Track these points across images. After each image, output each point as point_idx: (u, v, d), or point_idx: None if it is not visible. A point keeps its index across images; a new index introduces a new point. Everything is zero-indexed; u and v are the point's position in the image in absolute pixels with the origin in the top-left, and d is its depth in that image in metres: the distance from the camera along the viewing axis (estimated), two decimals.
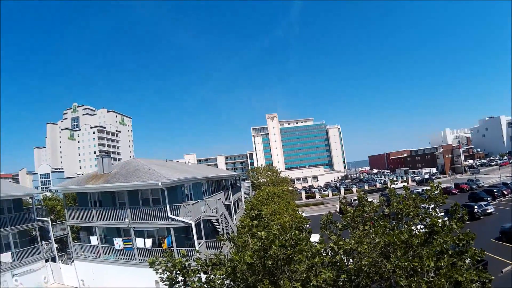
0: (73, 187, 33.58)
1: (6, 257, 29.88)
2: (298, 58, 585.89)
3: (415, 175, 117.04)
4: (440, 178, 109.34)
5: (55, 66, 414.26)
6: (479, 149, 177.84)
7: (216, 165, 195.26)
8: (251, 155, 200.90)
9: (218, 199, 31.76)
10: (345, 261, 9.19)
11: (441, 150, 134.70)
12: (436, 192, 10.85)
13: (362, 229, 10.55)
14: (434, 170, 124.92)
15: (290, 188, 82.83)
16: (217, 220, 30.11)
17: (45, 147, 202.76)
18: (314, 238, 10.62)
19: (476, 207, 46.14)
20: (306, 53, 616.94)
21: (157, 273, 9.96)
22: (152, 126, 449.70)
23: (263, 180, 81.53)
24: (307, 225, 12.32)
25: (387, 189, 12.34)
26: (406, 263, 7.67)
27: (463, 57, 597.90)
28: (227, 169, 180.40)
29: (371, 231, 9.77)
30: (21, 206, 35.92)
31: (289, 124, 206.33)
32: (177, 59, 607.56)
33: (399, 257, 7.97)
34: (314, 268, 8.81)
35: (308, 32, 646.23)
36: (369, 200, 12.49)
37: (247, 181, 76.02)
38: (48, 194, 54.12)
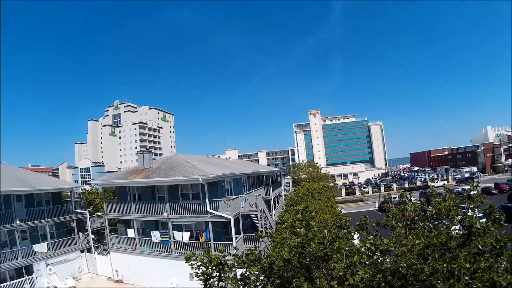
0: (113, 181, 34.39)
1: (41, 247, 30.74)
2: (341, 57, 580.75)
3: (455, 174, 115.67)
4: (480, 177, 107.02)
5: (97, 64, 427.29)
6: None
7: (257, 160, 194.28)
8: (292, 151, 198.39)
9: (258, 195, 31.67)
10: (381, 260, 8.86)
11: (482, 148, 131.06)
12: (474, 192, 10.26)
13: (402, 229, 10.11)
14: (474, 169, 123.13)
15: (331, 184, 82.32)
16: (256, 215, 30.19)
17: (86, 143, 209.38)
18: (356, 235, 10.37)
19: None
20: (349, 52, 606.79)
21: (192, 267, 9.71)
22: (194, 122, 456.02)
23: (304, 176, 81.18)
24: (347, 222, 11.71)
25: (427, 189, 11.55)
26: (444, 265, 7.50)
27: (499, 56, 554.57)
28: (268, 164, 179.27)
29: (413, 232, 9.34)
30: (59, 199, 36.83)
31: (331, 120, 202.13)
32: (220, 58, 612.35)
33: (437, 259, 7.73)
34: (351, 267, 8.57)
35: (351, 31, 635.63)
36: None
37: (288, 177, 75.57)
38: (87, 187, 55.41)
